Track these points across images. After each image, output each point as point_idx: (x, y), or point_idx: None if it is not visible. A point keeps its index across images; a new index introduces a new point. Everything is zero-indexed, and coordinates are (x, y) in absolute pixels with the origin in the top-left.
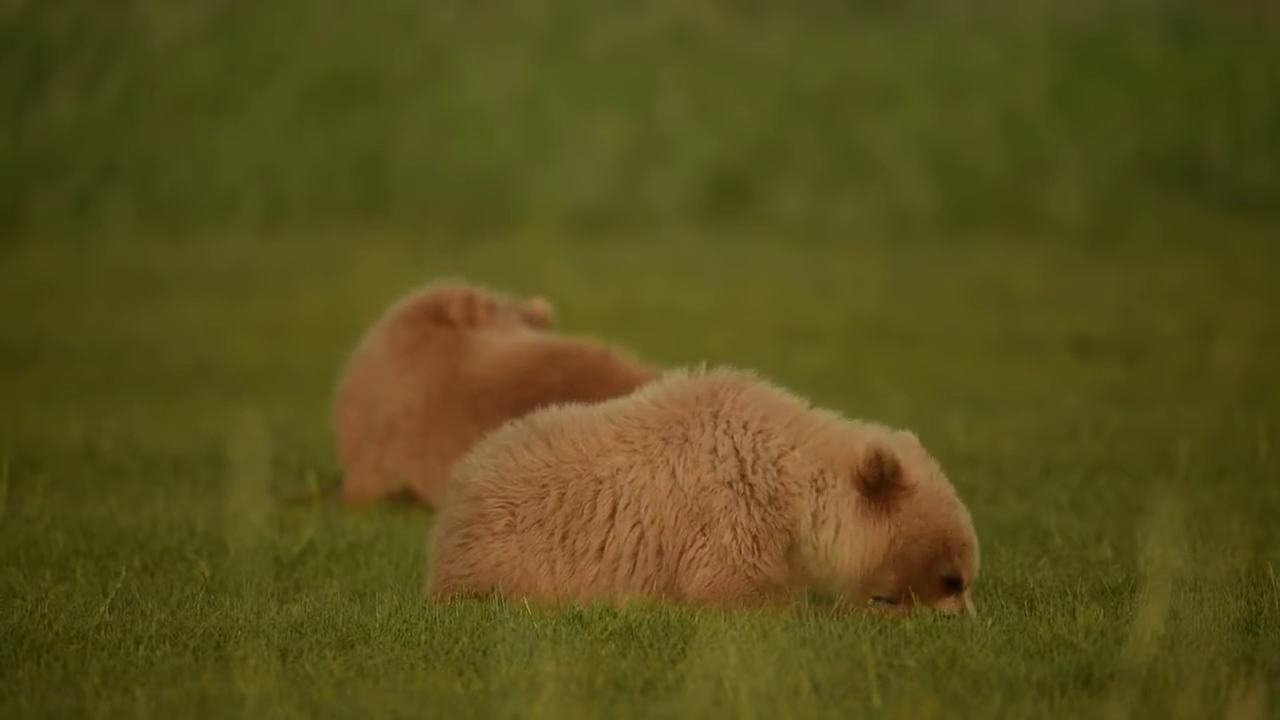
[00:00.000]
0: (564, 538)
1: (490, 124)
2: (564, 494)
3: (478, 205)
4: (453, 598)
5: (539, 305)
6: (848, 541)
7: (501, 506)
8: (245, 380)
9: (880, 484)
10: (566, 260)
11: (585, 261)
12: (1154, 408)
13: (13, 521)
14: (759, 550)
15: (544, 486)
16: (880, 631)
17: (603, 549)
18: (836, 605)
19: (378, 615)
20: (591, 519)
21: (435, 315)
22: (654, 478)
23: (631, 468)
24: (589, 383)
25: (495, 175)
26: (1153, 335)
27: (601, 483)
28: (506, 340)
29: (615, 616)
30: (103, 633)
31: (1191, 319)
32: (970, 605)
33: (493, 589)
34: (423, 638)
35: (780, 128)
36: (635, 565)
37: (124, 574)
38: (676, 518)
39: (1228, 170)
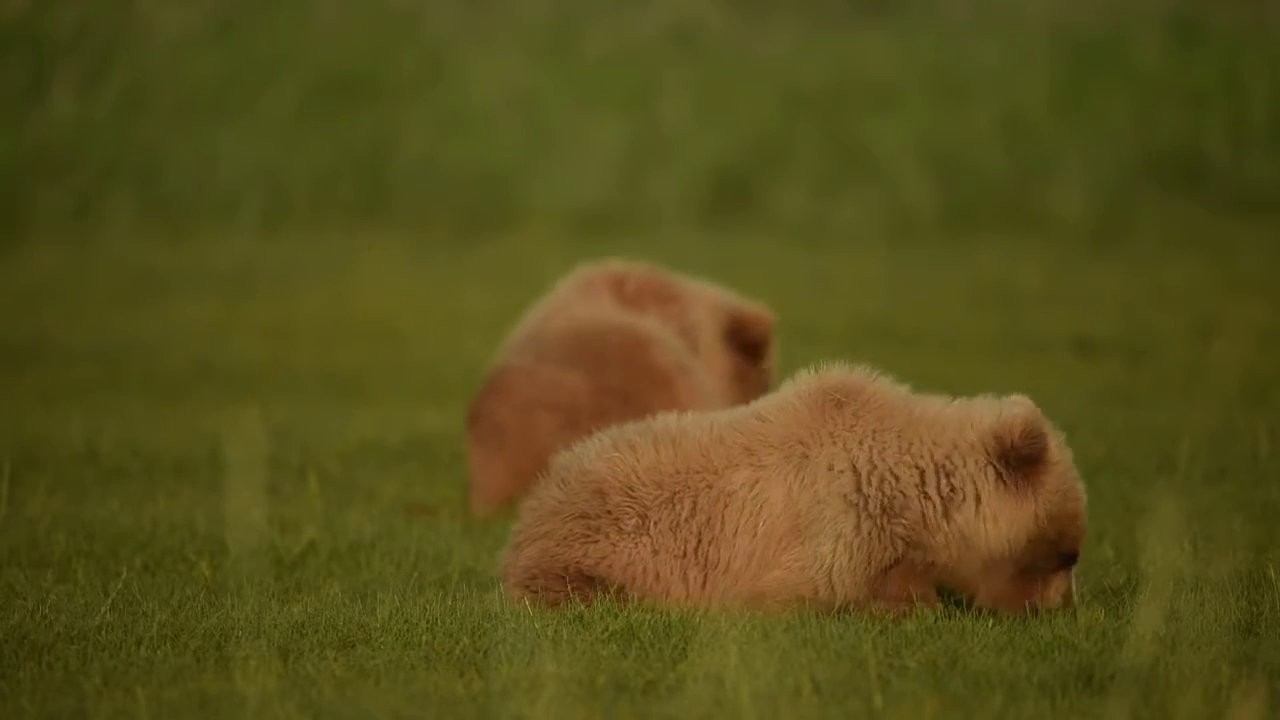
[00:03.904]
0: (697, 548)
1: (491, 124)
2: (696, 503)
3: (479, 205)
4: (564, 578)
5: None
6: (990, 516)
7: (630, 506)
8: (245, 380)
9: (1028, 459)
10: (567, 260)
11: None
12: (1155, 408)
13: (14, 522)
14: (851, 566)
15: (675, 493)
16: (881, 632)
17: (731, 563)
18: (837, 605)
19: (379, 615)
20: (722, 532)
21: (616, 281)
22: (773, 494)
23: (755, 484)
24: (617, 376)
25: (496, 175)
26: (1154, 335)
27: (731, 496)
28: (598, 309)
29: (616, 617)
30: (104, 633)
31: (1192, 319)
32: (1075, 586)
33: (620, 587)
34: (424, 638)
35: (781, 128)
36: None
37: (125, 574)
38: (786, 532)
39: (1229, 170)
